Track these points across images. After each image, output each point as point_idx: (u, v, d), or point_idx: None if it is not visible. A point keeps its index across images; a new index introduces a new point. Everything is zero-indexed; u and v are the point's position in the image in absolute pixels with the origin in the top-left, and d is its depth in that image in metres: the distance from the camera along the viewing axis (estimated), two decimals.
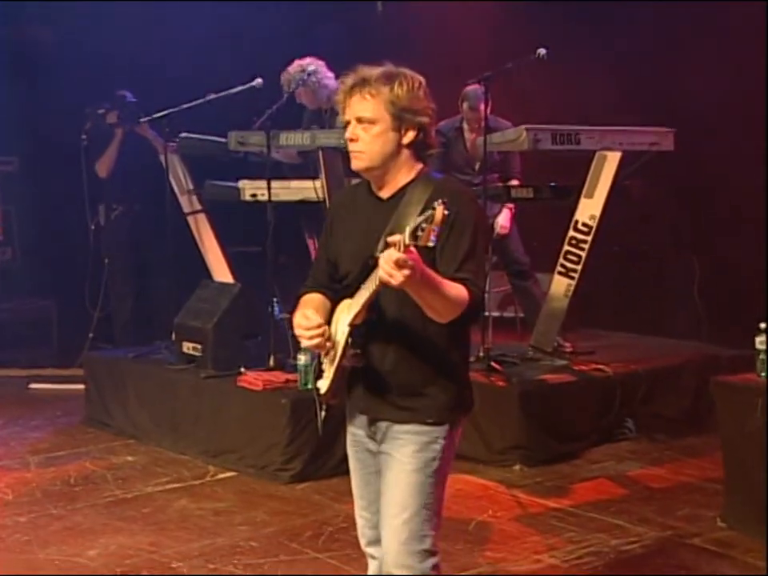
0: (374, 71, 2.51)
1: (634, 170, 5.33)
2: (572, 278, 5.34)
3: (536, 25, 6.51)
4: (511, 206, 5.88)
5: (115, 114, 6.58)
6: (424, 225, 2.11)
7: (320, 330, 2.51)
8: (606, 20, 6.42)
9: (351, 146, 2.52)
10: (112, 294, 6.81)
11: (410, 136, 2.50)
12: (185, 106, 5.67)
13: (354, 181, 2.87)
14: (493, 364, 5.12)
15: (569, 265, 5.35)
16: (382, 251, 2.29)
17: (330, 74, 5.58)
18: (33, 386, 6.66)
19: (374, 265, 2.32)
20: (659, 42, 6.37)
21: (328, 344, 2.54)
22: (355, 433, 2.66)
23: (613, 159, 5.28)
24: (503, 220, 5.87)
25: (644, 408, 5.31)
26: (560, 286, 5.39)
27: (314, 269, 2.75)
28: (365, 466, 2.65)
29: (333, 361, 2.54)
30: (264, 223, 5.22)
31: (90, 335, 6.62)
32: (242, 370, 5.12)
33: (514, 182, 5.89)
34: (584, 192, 5.33)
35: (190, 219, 6.16)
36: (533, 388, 5.03)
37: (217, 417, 5.14)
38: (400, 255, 2.18)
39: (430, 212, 2.11)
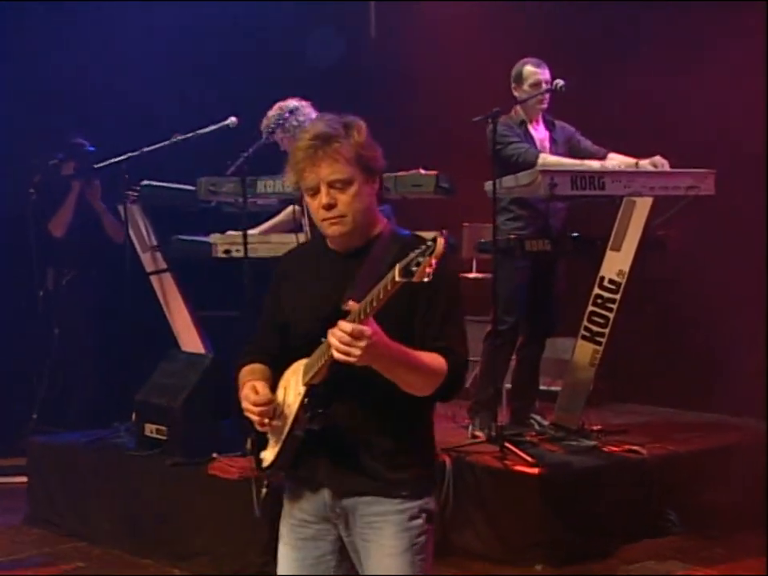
0: (327, 124, 2.61)
1: (670, 217, 5.44)
2: (598, 343, 5.41)
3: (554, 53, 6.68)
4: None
5: (71, 165, 6.73)
6: (420, 259, 2.22)
7: (271, 406, 2.61)
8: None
9: (327, 213, 2.60)
10: (70, 372, 6.82)
11: (377, 185, 2.66)
12: (147, 149, 5.80)
13: None
14: (508, 445, 5.16)
15: (594, 328, 5.43)
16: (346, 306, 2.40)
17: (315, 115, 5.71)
18: None
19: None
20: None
21: (275, 421, 2.62)
22: (300, 516, 2.72)
23: (643, 206, 5.39)
24: None
25: (689, 497, 5.32)
26: (585, 352, 5.46)
27: (257, 335, 2.85)
28: (305, 557, 2.74)
29: (281, 429, 2.61)
30: (240, 283, 5.33)
31: (34, 416, 6.66)
32: (215, 455, 5.17)
33: None
34: (610, 244, 5.43)
35: (154, 280, 6.25)
36: (556, 473, 5.05)
37: (185, 512, 5.16)
38: (355, 326, 2.30)
39: (429, 243, 2.22)
